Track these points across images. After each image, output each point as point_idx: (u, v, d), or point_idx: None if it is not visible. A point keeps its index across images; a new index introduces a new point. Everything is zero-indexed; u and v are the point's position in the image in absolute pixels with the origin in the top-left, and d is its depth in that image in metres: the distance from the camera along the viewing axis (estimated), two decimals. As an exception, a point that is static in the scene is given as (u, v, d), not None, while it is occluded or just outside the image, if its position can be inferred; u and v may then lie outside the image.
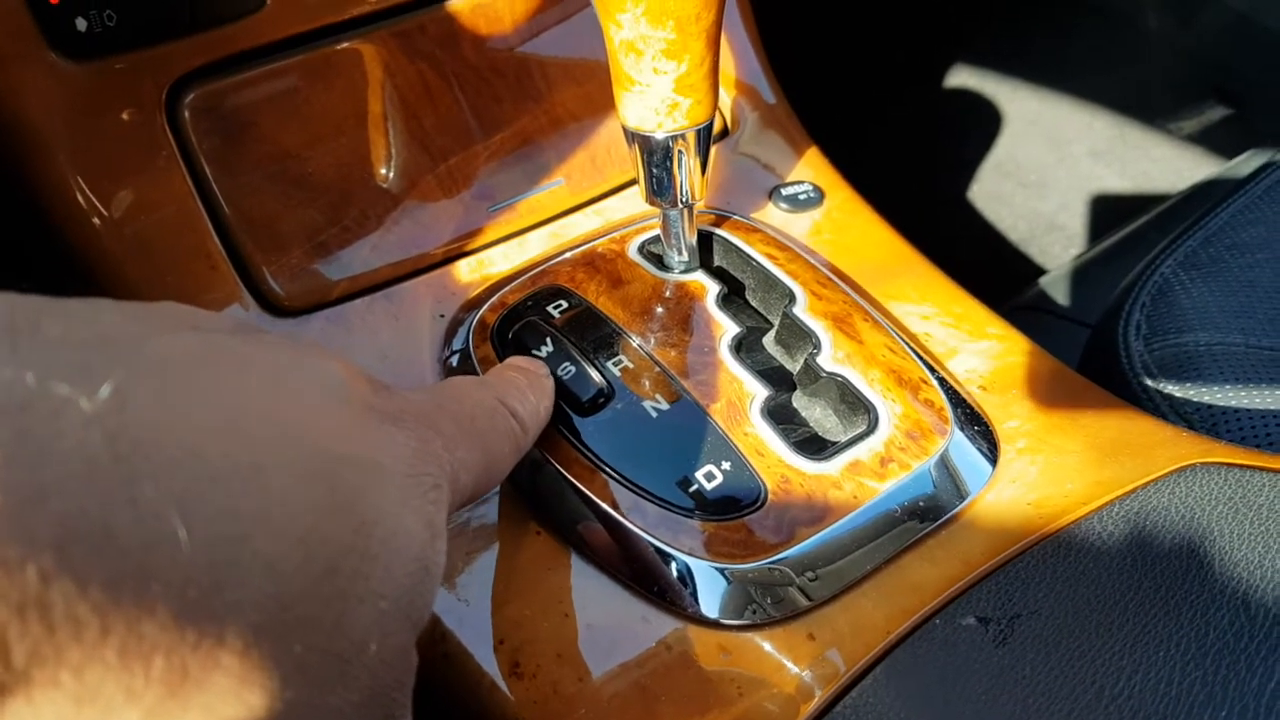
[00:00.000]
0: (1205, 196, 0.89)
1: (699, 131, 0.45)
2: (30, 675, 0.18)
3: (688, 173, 0.46)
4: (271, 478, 0.22)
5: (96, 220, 0.46)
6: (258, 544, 0.21)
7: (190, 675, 0.20)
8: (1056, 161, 1.25)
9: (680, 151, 0.45)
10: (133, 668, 0.19)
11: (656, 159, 0.46)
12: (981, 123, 1.29)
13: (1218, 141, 1.20)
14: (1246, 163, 0.98)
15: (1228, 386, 0.55)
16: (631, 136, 0.46)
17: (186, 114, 0.48)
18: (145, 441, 0.20)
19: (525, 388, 0.39)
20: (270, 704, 0.22)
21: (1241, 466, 0.41)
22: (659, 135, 0.45)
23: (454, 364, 0.48)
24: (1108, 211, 1.22)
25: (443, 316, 0.50)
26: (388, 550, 0.25)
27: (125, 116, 0.47)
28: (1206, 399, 0.55)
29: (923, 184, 1.26)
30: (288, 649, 0.22)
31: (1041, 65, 1.29)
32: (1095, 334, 0.65)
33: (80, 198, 0.46)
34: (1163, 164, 1.22)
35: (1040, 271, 1.09)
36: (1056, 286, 0.90)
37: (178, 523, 0.20)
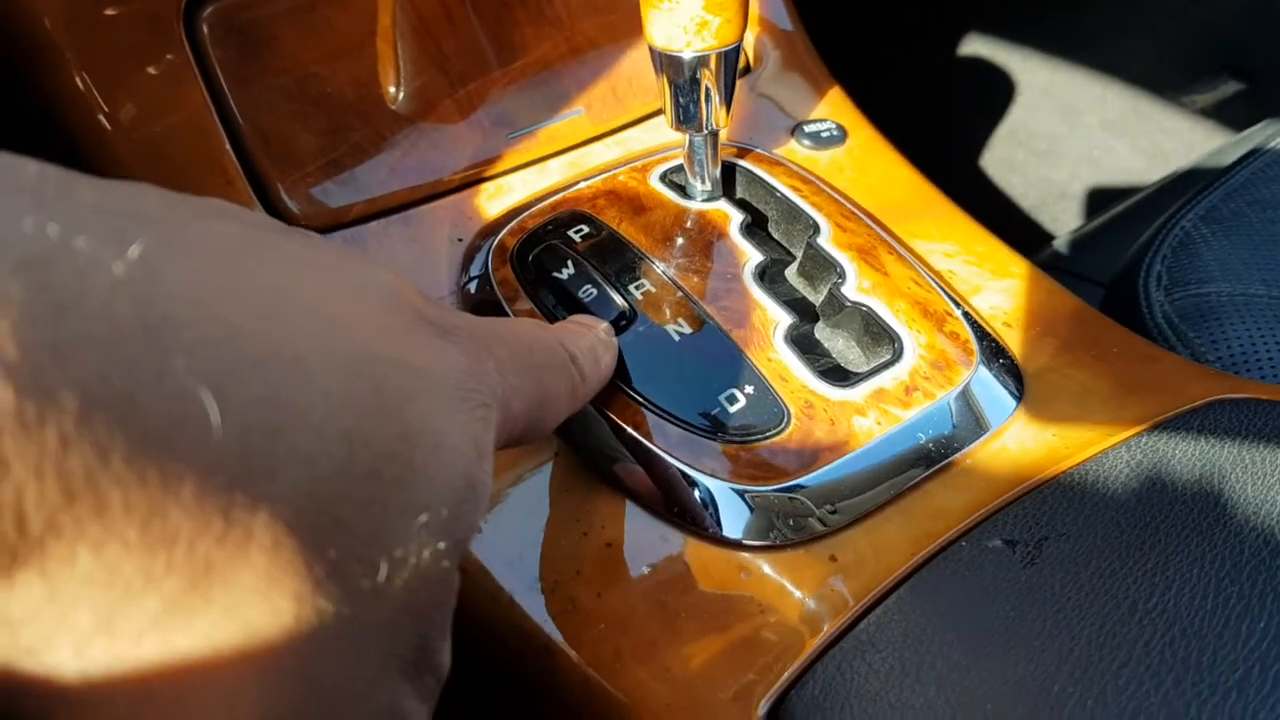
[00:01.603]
0: (1217, 165, 0.88)
1: (727, 54, 0.44)
2: (46, 545, 0.17)
3: (714, 98, 0.45)
4: (315, 370, 0.21)
5: (108, 125, 0.45)
6: (295, 438, 0.20)
7: (214, 567, 0.19)
8: (1069, 131, 1.24)
9: (707, 75, 0.45)
10: (155, 550, 0.18)
11: (683, 82, 0.45)
12: (994, 90, 1.28)
13: (1230, 115, 1.19)
14: (1258, 133, 0.98)
15: (1250, 335, 0.54)
16: (659, 59, 0.45)
17: (205, 27, 0.47)
18: (179, 316, 0.19)
19: (587, 336, 0.37)
20: (299, 610, 0.21)
21: (1270, 401, 0.41)
22: (687, 55, 0.44)
23: (472, 290, 0.47)
24: (1119, 182, 1.21)
25: (460, 241, 0.49)
26: (432, 462, 0.23)
27: (142, 25, 0.46)
28: (1228, 348, 0.54)
29: (934, 150, 1.25)
30: (322, 553, 0.21)
31: (1056, 35, 1.28)
32: (1114, 285, 0.64)
33: (93, 103, 0.45)
34: (1175, 136, 1.21)
35: (1050, 239, 1.08)
36: (1068, 250, 0.90)
37: (210, 403, 0.18)
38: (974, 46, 1.31)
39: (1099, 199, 1.21)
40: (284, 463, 0.20)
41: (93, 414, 0.17)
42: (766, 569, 0.38)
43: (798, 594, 0.37)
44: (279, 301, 0.21)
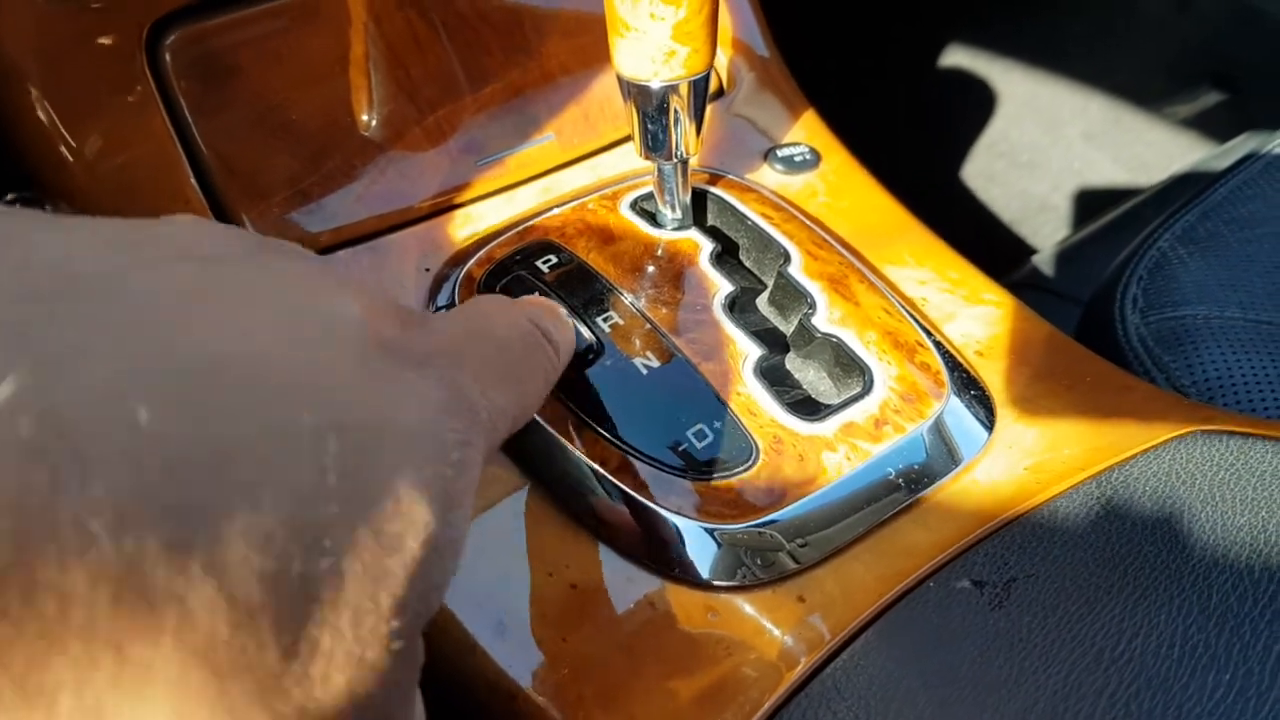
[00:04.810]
0: (1200, 177, 0.88)
1: (695, 82, 0.44)
2: None
3: (683, 126, 0.45)
4: (243, 464, 0.19)
5: (70, 157, 0.44)
6: (210, 552, 0.18)
7: (106, 712, 0.17)
8: (1050, 143, 1.24)
9: (676, 103, 0.44)
10: (33, 703, 0.16)
11: (651, 111, 0.44)
12: (976, 102, 1.28)
13: (1213, 127, 1.19)
14: (1241, 145, 0.98)
15: (1225, 359, 0.54)
16: (627, 87, 0.44)
17: (168, 55, 0.47)
18: (81, 427, 0.17)
19: (556, 312, 0.35)
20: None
21: (1242, 434, 0.41)
22: (655, 85, 0.43)
23: (439, 319, 0.47)
24: (1100, 194, 1.21)
25: (428, 270, 0.49)
26: (387, 538, 0.21)
27: (104, 55, 0.45)
28: (1203, 372, 0.54)
29: (914, 161, 1.25)
30: (239, 677, 0.19)
31: (1037, 46, 1.28)
32: (1090, 307, 0.64)
33: (55, 134, 0.44)
34: (1157, 148, 1.21)
35: (1031, 252, 1.08)
36: (1049, 265, 0.89)
37: (100, 529, 0.17)
38: (954, 56, 1.31)
39: (1080, 211, 1.21)
40: (195, 582, 0.18)
41: None
42: (734, 610, 0.38)
43: (765, 636, 0.37)
44: (215, 375, 0.19)
